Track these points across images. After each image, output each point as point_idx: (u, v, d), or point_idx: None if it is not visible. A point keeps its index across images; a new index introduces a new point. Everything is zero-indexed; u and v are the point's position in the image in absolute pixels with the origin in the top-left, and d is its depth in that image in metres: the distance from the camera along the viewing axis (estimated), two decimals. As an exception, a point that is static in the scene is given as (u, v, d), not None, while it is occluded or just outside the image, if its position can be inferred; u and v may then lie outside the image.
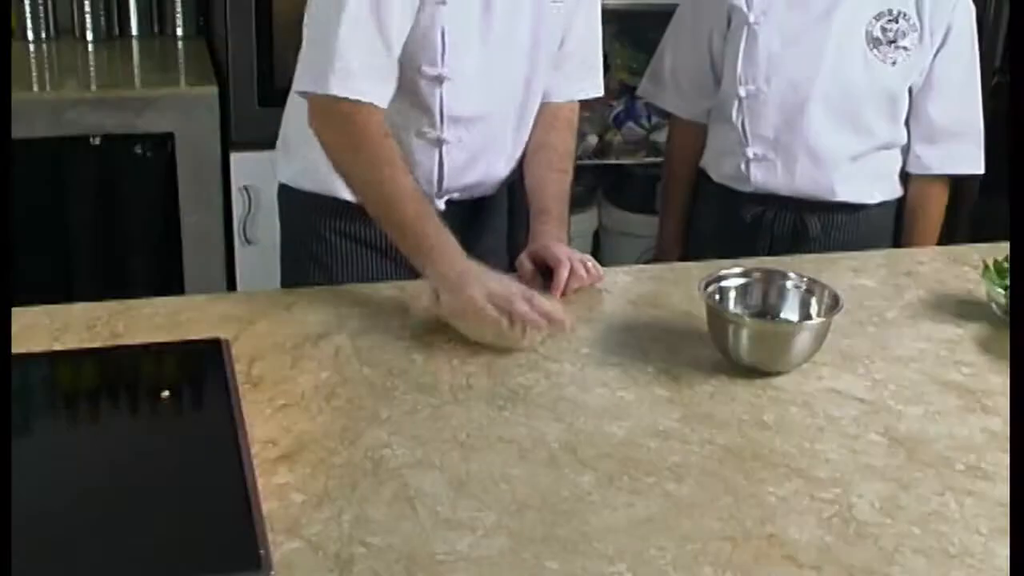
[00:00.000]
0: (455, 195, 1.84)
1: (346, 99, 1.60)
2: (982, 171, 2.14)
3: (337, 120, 1.62)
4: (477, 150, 1.81)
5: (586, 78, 1.92)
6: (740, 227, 2.09)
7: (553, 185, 1.83)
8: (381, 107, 1.63)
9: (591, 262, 1.70)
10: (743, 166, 2.07)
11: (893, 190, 2.12)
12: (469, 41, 1.71)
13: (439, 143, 1.77)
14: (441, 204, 1.83)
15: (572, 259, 1.67)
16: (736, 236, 2.09)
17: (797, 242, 2.07)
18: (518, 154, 1.88)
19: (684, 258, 2.21)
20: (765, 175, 2.06)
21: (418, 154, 1.77)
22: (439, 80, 1.71)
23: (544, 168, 1.84)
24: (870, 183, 2.09)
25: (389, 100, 1.64)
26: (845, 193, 2.06)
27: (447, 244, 1.56)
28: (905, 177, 2.13)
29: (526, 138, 1.87)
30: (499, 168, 1.86)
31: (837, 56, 1.99)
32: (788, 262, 1.74)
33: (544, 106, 1.87)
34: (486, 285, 1.51)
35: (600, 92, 1.96)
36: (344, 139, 1.63)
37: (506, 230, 1.96)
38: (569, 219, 1.85)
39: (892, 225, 2.15)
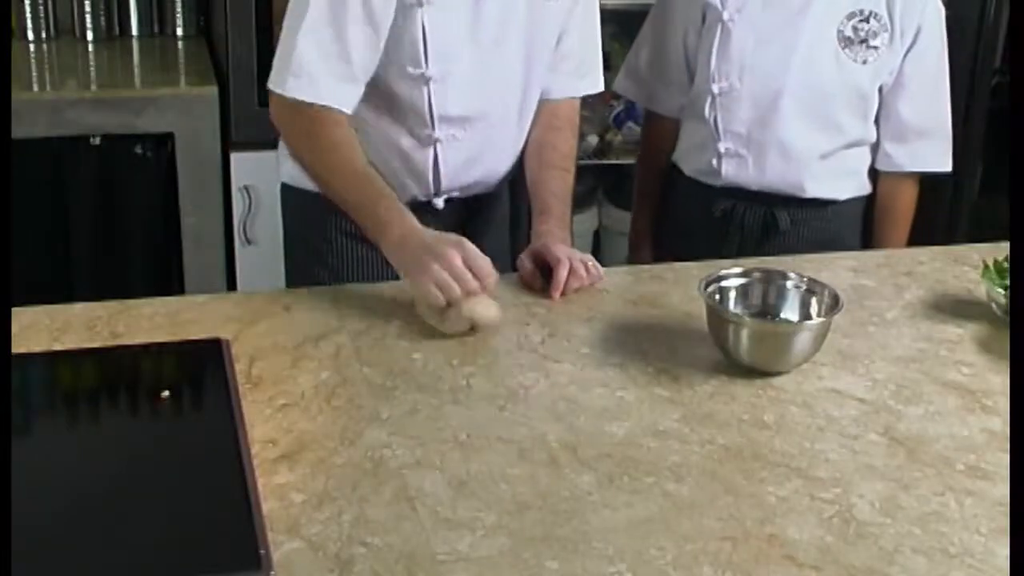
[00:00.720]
0: (455, 193, 1.84)
1: (302, 102, 1.65)
2: (950, 168, 2.17)
3: (293, 116, 1.68)
4: (477, 149, 1.81)
5: (586, 76, 1.92)
6: (711, 221, 2.12)
7: (554, 183, 1.83)
8: (341, 108, 1.66)
9: (591, 262, 1.70)
10: (714, 161, 2.09)
11: (861, 186, 2.15)
12: (458, 42, 1.71)
13: (432, 141, 1.77)
14: (440, 203, 1.83)
15: (572, 259, 1.67)
16: (707, 230, 2.11)
17: (767, 236, 2.09)
18: (519, 151, 1.88)
19: (656, 251, 2.24)
20: (736, 170, 2.08)
21: (412, 153, 1.78)
22: (424, 80, 1.72)
23: (546, 167, 1.84)
24: (839, 179, 2.11)
25: (354, 101, 1.67)
26: (814, 189, 2.08)
27: (390, 217, 1.58)
28: (874, 175, 2.15)
29: (526, 135, 1.87)
30: (500, 166, 1.86)
31: (809, 54, 2.01)
32: (788, 262, 1.74)
33: (543, 103, 1.87)
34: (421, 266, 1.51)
35: (600, 88, 1.96)
36: (294, 128, 1.70)
37: (508, 228, 1.96)
38: (571, 218, 1.85)
39: (861, 221, 2.17)
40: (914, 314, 1.69)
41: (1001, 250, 1.63)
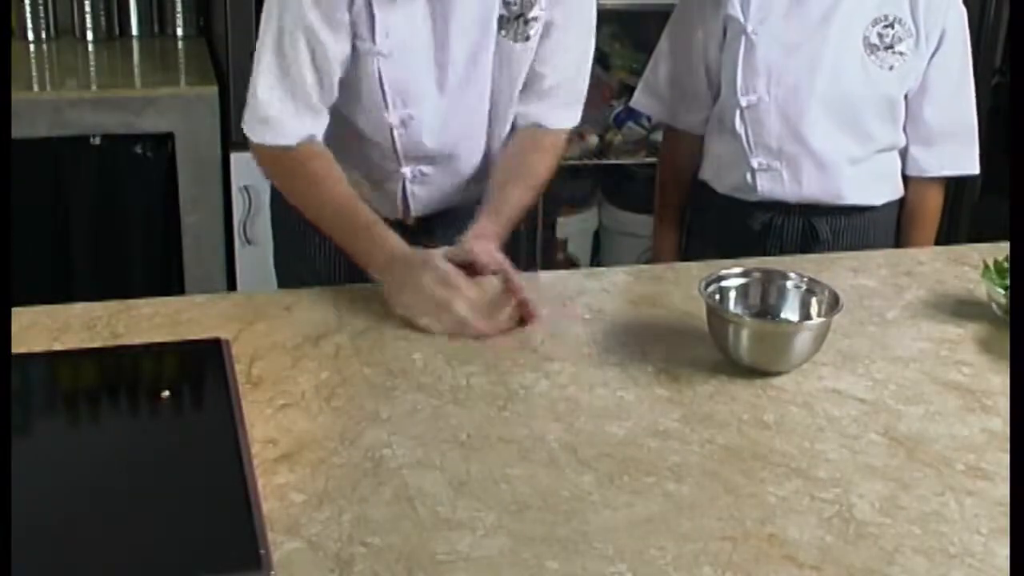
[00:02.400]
0: (426, 217, 1.86)
1: (271, 145, 1.69)
2: (977, 171, 2.16)
3: (271, 159, 1.73)
4: (445, 182, 1.82)
5: (572, 107, 1.87)
6: (749, 236, 2.08)
7: (516, 192, 1.76)
8: (309, 142, 1.69)
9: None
10: (748, 176, 2.06)
11: (896, 190, 2.13)
12: (421, 88, 1.71)
13: (400, 176, 1.79)
14: (411, 222, 1.83)
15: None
16: (745, 245, 2.05)
17: (807, 247, 2.06)
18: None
19: None
20: (771, 184, 2.05)
21: (381, 182, 1.79)
22: (389, 124, 1.72)
23: (514, 178, 1.78)
24: (875, 184, 2.09)
25: (322, 126, 1.70)
26: (852, 196, 2.06)
27: (380, 246, 1.63)
28: (905, 178, 2.14)
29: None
30: (470, 196, 1.85)
31: (835, 63, 1.99)
32: (788, 262, 1.74)
33: (533, 130, 1.83)
34: (423, 290, 1.55)
35: (576, 123, 1.88)
36: (277, 168, 1.74)
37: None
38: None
39: (896, 226, 2.16)
40: (914, 314, 1.69)
41: (1001, 250, 1.63)
